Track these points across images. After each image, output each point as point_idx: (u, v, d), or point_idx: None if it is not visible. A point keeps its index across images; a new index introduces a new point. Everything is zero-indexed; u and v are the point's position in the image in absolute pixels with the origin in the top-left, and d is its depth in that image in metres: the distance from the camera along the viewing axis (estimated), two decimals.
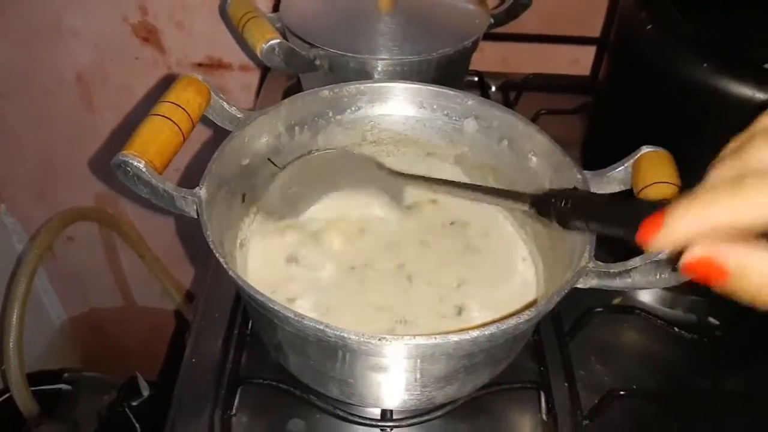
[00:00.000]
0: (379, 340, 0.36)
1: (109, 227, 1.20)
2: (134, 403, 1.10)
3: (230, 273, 0.40)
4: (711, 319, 0.62)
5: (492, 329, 0.37)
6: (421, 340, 0.36)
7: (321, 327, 0.37)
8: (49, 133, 1.11)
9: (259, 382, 0.51)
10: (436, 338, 0.36)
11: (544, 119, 0.79)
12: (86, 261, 1.33)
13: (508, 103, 0.84)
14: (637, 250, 0.42)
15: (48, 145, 1.13)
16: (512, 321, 0.38)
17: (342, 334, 0.36)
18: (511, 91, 0.86)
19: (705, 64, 0.52)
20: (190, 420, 0.52)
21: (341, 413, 0.49)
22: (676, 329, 0.58)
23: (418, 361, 0.41)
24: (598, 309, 0.58)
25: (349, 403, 0.49)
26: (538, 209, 0.40)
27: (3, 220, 1.25)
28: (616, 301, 0.63)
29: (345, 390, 0.46)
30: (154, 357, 1.46)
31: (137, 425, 1.08)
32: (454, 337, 0.37)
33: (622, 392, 0.52)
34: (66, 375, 1.16)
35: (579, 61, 0.93)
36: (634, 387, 0.55)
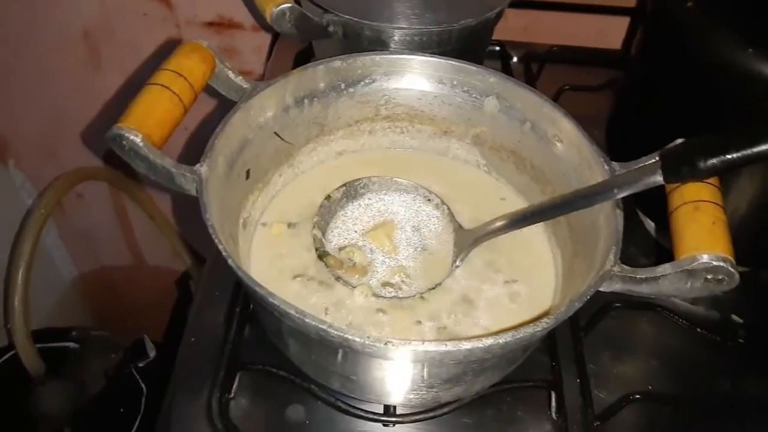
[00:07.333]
0: (385, 344, 0.34)
1: (119, 187, 1.18)
2: (140, 364, 1.10)
3: (230, 262, 0.38)
4: (734, 317, 0.59)
5: (507, 337, 0.34)
6: (430, 347, 0.34)
7: (324, 327, 0.34)
8: (57, 90, 1.08)
9: (259, 368, 0.49)
10: (446, 345, 0.34)
11: (568, 95, 0.75)
12: (96, 219, 1.31)
13: (531, 76, 0.80)
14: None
15: (57, 103, 1.10)
16: (528, 329, 0.35)
17: (345, 335, 0.34)
18: (534, 63, 0.81)
19: (750, 49, 0.48)
20: (189, 401, 0.50)
21: (343, 406, 0.47)
22: (698, 329, 0.55)
23: (425, 364, 0.39)
24: (617, 304, 0.56)
25: (352, 396, 0.47)
26: (674, 178, 0.40)
27: (11, 176, 1.23)
28: None
29: (347, 385, 0.44)
30: (163, 316, 1.46)
31: (143, 385, 1.08)
32: (466, 345, 0.34)
33: (637, 395, 0.50)
34: (73, 333, 1.16)
35: (606, 33, 0.87)
36: (650, 388, 0.53)
